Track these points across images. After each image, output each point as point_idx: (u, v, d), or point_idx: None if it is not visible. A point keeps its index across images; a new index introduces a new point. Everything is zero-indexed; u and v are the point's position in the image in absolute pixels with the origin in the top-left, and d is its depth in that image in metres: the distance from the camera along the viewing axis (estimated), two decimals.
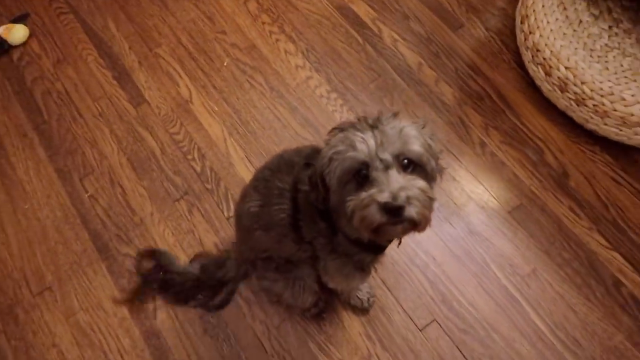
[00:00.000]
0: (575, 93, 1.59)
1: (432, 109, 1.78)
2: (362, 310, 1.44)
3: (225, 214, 1.63)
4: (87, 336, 1.48)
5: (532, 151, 1.68)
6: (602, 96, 1.55)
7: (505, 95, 1.79)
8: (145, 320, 1.48)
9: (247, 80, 1.88)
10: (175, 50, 1.97)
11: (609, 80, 1.56)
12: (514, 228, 1.55)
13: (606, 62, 1.62)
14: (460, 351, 1.39)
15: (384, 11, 2.00)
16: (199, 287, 1.36)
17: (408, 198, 0.79)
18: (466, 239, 1.54)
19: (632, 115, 1.51)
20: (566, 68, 1.60)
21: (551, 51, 1.64)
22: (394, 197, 0.78)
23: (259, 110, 1.82)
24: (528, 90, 1.79)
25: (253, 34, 1.99)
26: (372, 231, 0.84)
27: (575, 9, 1.72)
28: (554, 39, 1.66)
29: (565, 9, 1.72)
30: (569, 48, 1.64)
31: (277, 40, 1.97)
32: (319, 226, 1.03)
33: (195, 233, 1.60)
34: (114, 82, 1.92)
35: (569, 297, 1.45)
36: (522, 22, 1.77)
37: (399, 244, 1.01)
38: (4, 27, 2.00)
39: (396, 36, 1.94)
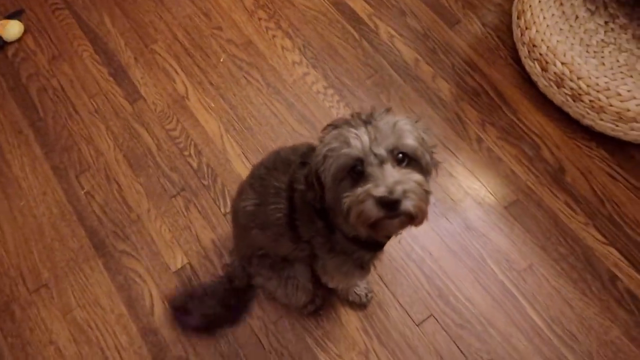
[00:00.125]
0: (572, 89, 1.60)
1: (428, 105, 1.78)
2: (359, 305, 1.45)
3: (222, 210, 1.62)
4: (84, 333, 1.48)
5: (528, 147, 1.68)
6: (598, 92, 1.55)
7: (501, 91, 1.79)
8: (142, 316, 1.48)
9: (244, 77, 1.88)
10: (171, 47, 1.96)
11: (605, 76, 1.56)
12: (510, 223, 1.56)
13: (602, 57, 1.62)
14: (457, 346, 1.40)
15: (381, 7, 2.00)
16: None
17: (404, 191, 0.79)
18: (463, 235, 1.55)
19: (628, 110, 1.52)
20: (562, 64, 1.61)
21: (547, 47, 1.64)
22: (390, 191, 0.78)
23: (256, 106, 1.81)
24: (524, 86, 1.79)
25: (249, 30, 1.98)
26: (369, 227, 0.84)
27: (572, 4, 1.73)
28: (550, 34, 1.66)
29: (561, 4, 1.72)
30: (565, 44, 1.64)
31: (274, 36, 1.96)
32: (316, 225, 1.03)
33: (192, 229, 1.60)
34: (110, 78, 1.91)
35: (565, 292, 1.46)
36: (518, 18, 1.77)
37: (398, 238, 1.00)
38: None
39: (393, 32, 1.94)
